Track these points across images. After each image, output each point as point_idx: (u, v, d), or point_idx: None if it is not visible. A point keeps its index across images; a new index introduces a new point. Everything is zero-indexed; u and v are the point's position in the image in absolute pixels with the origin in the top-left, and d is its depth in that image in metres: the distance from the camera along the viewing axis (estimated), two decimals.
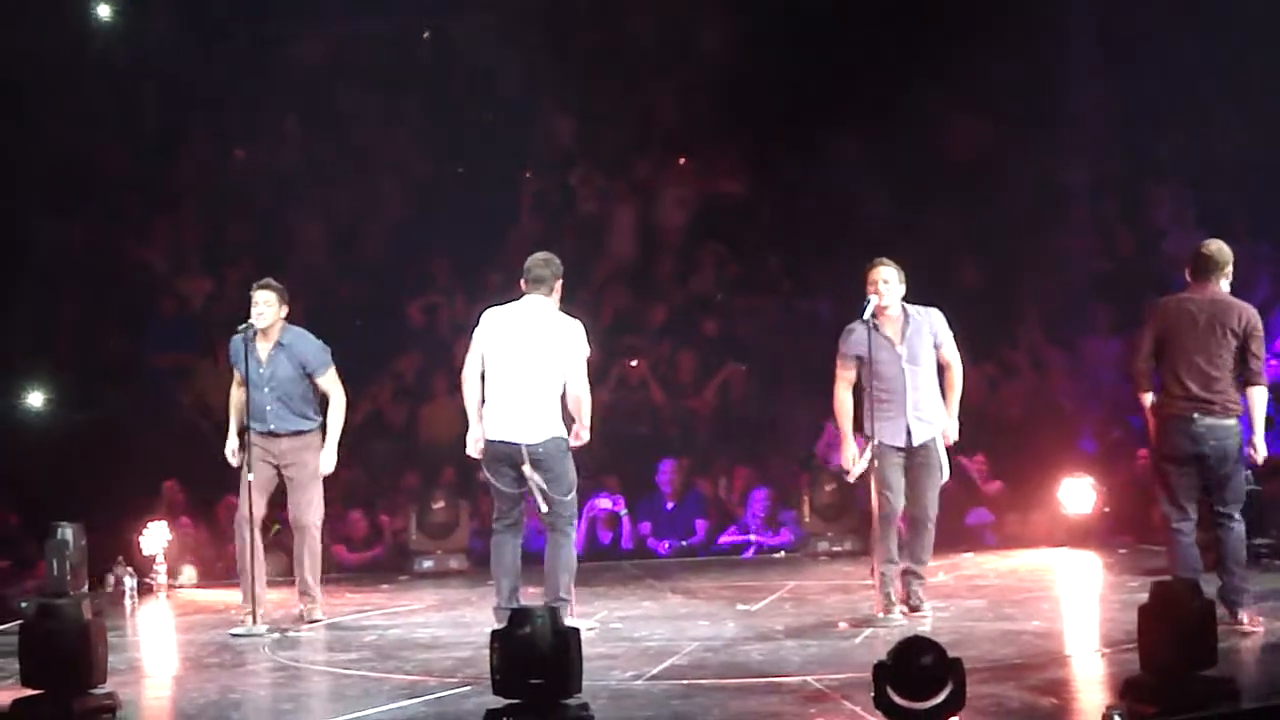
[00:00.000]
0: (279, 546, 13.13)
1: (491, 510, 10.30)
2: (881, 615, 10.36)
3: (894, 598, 10.40)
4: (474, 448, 10.32)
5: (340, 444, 11.43)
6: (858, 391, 10.58)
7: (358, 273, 17.46)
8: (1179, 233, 16.14)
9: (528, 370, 10.12)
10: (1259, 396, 9.82)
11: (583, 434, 10.30)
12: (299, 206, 18.03)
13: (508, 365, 10.16)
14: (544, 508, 10.16)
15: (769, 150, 17.96)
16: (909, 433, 10.39)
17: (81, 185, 17.40)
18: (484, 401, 10.25)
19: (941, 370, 10.55)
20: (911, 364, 10.37)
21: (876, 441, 10.35)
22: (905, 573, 10.50)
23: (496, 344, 10.22)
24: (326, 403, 11.34)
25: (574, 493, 10.29)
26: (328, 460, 11.32)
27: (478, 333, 10.32)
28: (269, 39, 17.75)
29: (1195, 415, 9.72)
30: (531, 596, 10.42)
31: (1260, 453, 9.90)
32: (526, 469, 10.09)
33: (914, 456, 10.44)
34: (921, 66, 16.78)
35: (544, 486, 10.10)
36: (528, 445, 10.08)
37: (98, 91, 17.47)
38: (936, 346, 10.48)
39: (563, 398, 10.22)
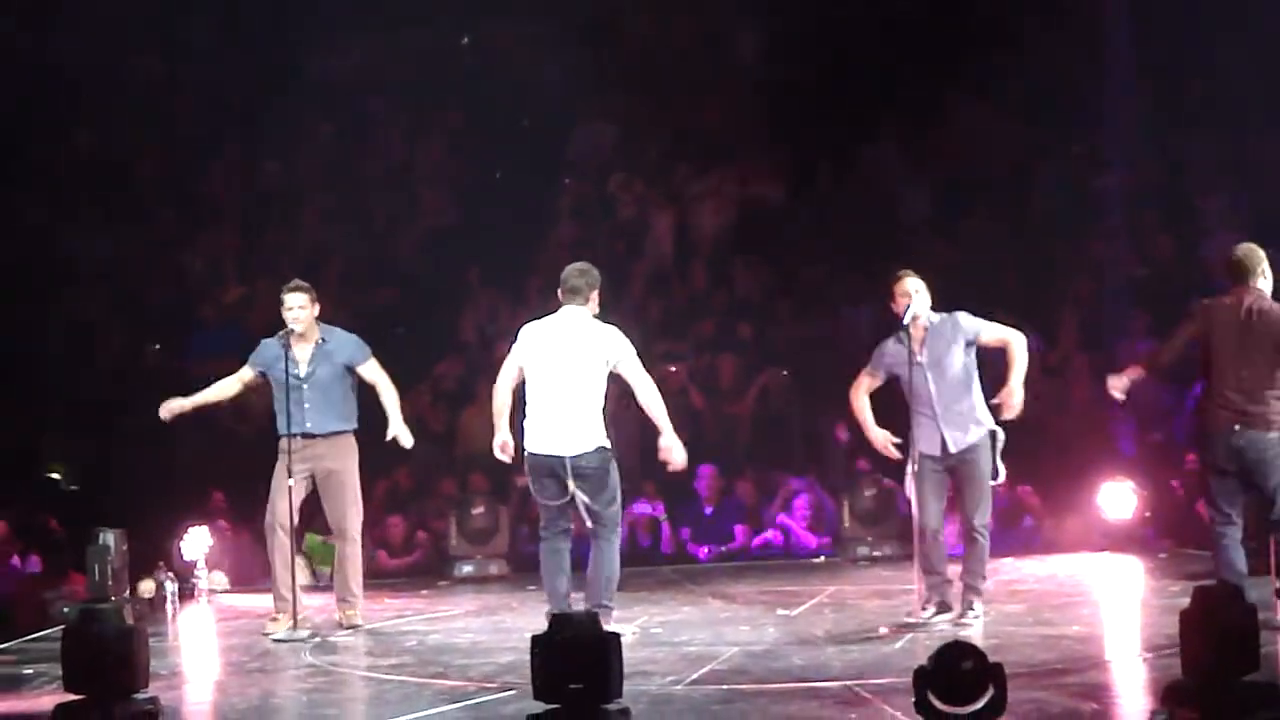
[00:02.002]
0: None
1: (530, 516, 10.30)
2: (908, 616, 10.42)
3: (931, 604, 10.40)
4: (500, 452, 10.35)
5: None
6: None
7: (395, 280, 17.50)
8: (1217, 238, 16.09)
9: (567, 382, 10.14)
10: None
11: (671, 445, 10.28)
12: (335, 214, 18.10)
13: (547, 378, 10.19)
14: (589, 522, 10.19)
15: (807, 157, 17.98)
16: (944, 441, 10.37)
17: (117, 195, 17.51)
18: (525, 415, 10.27)
19: (1001, 352, 10.48)
20: (935, 371, 10.34)
21: (916, 451, 10.39)
22: (965, 588, 10.47)
23: (535, 358, 10.24)
24: (362, 400, 11.33)
25: (618, 502, 10.32)
26: (404, 434, 11.33)
27: (516, 347, 10.37)
28: (305, 47, 17.82)
29: (1236, 427, 9.70)
30: (577, 602, 10.38)
31: None
32: (571, 484, 10.10)
33: (955, 466, 10.41)
34: (959, 72, 16.78)
35: (587, 501, 10.13)
36: (571, 458, 10.10)
37: (133, 102, 17.58)
38: (972, 343, 10.41)
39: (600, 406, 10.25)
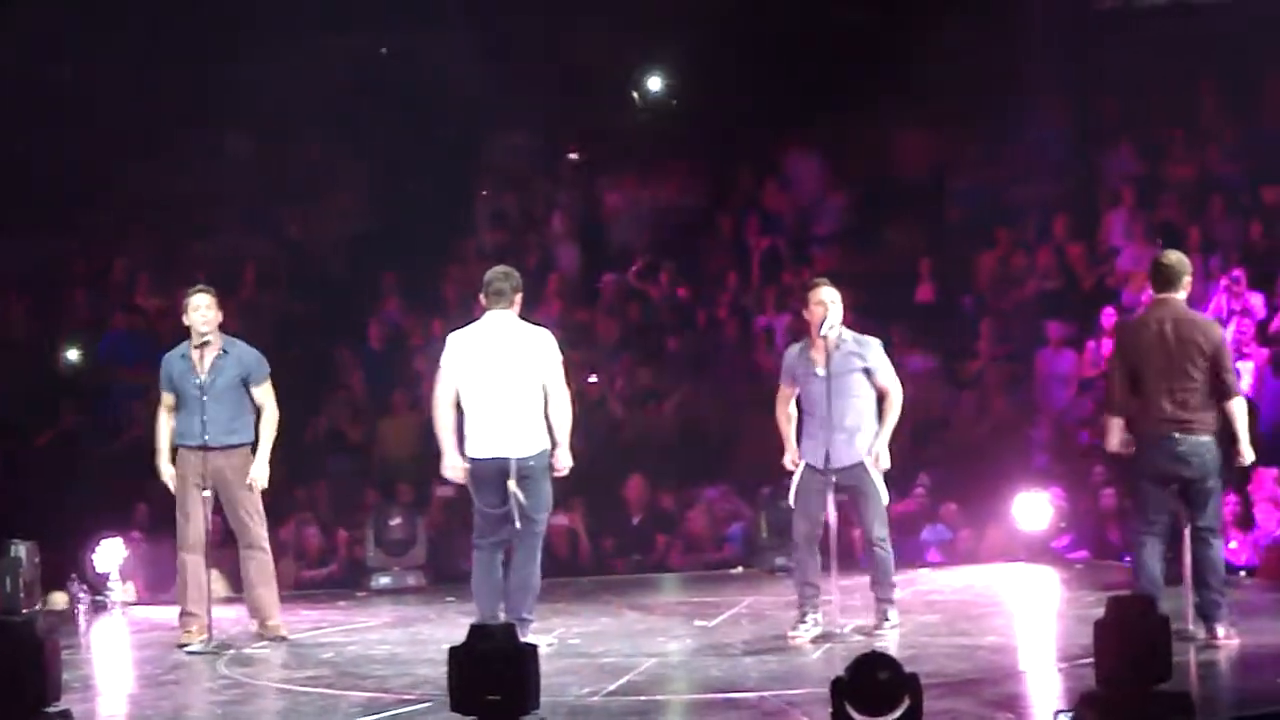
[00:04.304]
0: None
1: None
2: (790, 631, 10.35)
3: (807, 617, 10.36)
4: (451, 471, 10.23)
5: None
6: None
7: (311, 289, 17.42)
8: (1130, 249, 16.26)
9: (507, 385, 10.04)
10: (1239, 408, 9.79)
11: (561, 456, 10.13)
12: (253, 222, 18.00)
13: (486, 384, 10.08)
14: (518, 524, 10.05)
15: (726, 167, 18.03)
16: (828, 455, 10.36)
17: (33, 202, 17.36)
18: (462, 424, 10.17)
19: (880, 398, 10.52)
20: (836, 384, 10.28)
21: (801, 461, 10.42)
22: (877, 600, 10.49)
23: (470, 365, 10.13)
24: (258, 416, 11.11)
25: (549, 508, 10.25)
26: (261, 472, 11.02)
27: (446, 357, 10.24)
28: (224, 55, 17.71)
29: (1176, 434, 9.73)
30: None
31: (1247, 458, 9.92)
32: (511, 484, 10.01)
33: (843, 482, 10.40)
34: (878, 84, 16.86)
35: (524, 503, 10.04)
36: (518, 459, 10.01)
37: (50, 107, 17.43)
38: (870, 373, 10.40)
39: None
